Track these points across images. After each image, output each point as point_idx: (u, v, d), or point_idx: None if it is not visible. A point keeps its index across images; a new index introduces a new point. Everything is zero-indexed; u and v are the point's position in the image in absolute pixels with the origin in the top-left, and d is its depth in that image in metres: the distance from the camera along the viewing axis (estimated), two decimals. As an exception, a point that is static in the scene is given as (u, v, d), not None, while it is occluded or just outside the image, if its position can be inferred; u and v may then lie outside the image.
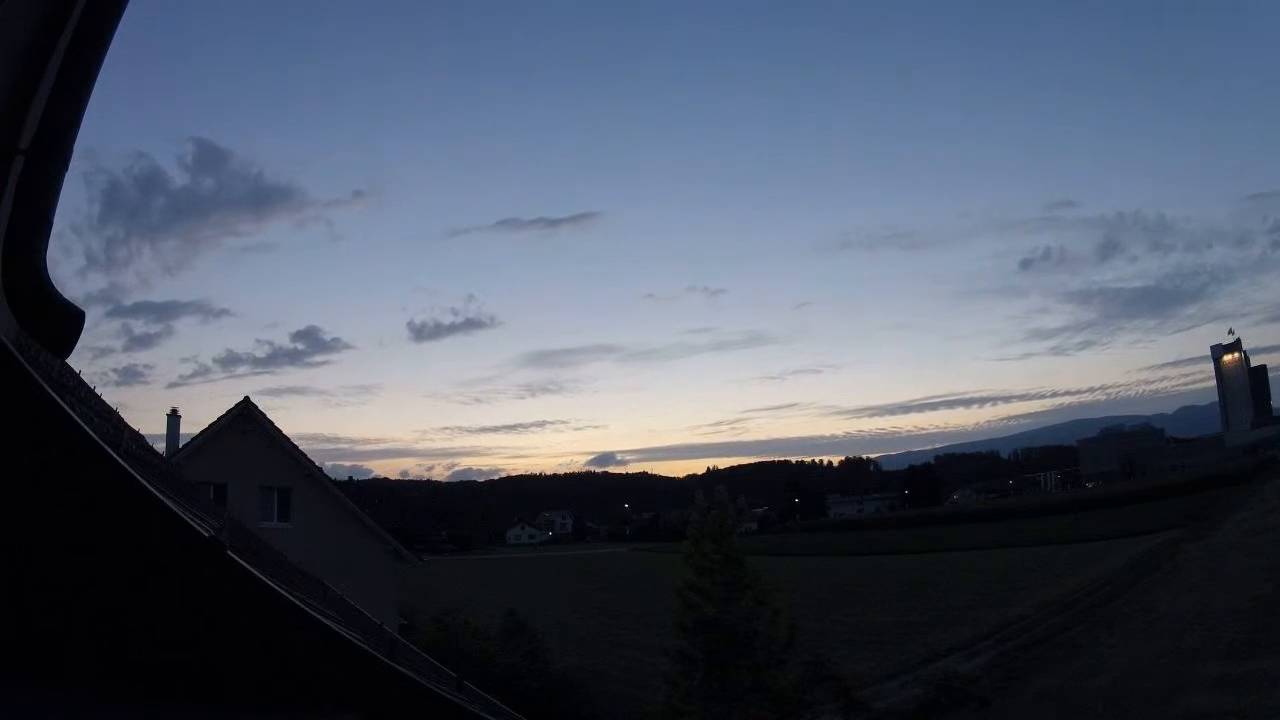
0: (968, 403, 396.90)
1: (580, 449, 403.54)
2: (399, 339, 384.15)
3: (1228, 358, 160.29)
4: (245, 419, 20.82)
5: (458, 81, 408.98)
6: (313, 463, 22.12)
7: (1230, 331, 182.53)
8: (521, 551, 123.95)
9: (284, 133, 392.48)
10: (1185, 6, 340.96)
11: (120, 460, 1.34)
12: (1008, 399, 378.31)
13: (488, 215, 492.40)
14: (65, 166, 1.62)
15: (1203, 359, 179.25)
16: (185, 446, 20.31)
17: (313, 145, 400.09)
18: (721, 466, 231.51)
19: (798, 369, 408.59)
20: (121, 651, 1.51)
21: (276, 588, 1.57)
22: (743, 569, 20.24)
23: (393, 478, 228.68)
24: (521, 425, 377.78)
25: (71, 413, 1.31)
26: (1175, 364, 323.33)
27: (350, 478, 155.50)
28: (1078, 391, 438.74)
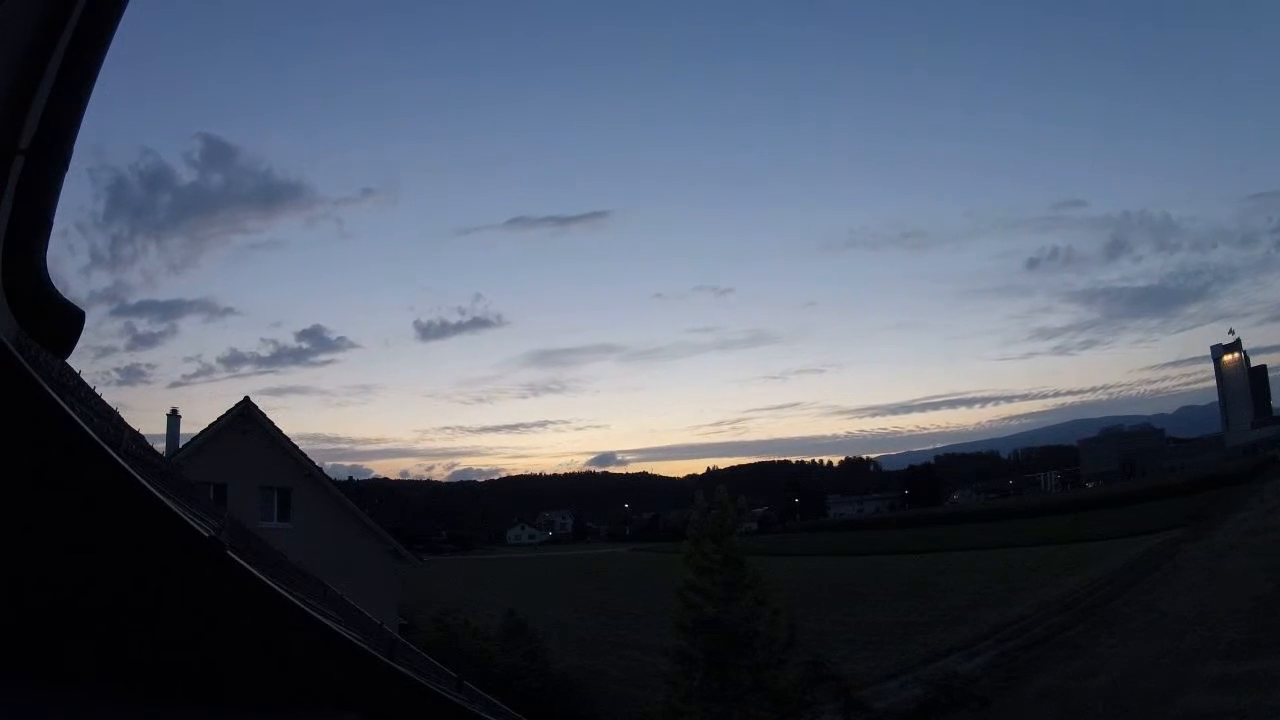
0: (969, 402, 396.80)
1: (581, 449, 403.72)
2: (405, 338, 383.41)
3: (1228, 358, 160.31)
4: (245, 419, 20.83)
5: (471, 80, 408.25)
6: (313, 463, 22.14)
7: (1230, 331, 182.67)
8: (521, 551, 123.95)
9: (294, 129, 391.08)
10: (1190, 7, 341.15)
11: (120, 460, 1.34)
12: (1009, 399, 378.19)
13: (499, 213, 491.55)
14: (65, 166, 1.62)
15: (1203, 359, 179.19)
16: (185, 446, 20.31)
17: (323, 142, 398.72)
18: (721, 466, 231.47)
19: (800, 368, 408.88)
20: (122, 651, 1.51)
21: (276, 588, 1.57)
22: (743, 569, 20.25)
23: (393, 478, 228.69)
24: (523, 425, 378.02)
25: (71, 413, 1.31)
26: (1176, 364, 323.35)
27: (350, 478, 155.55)
28: (1079, 391, 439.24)
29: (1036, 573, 40.36)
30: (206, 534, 1.43)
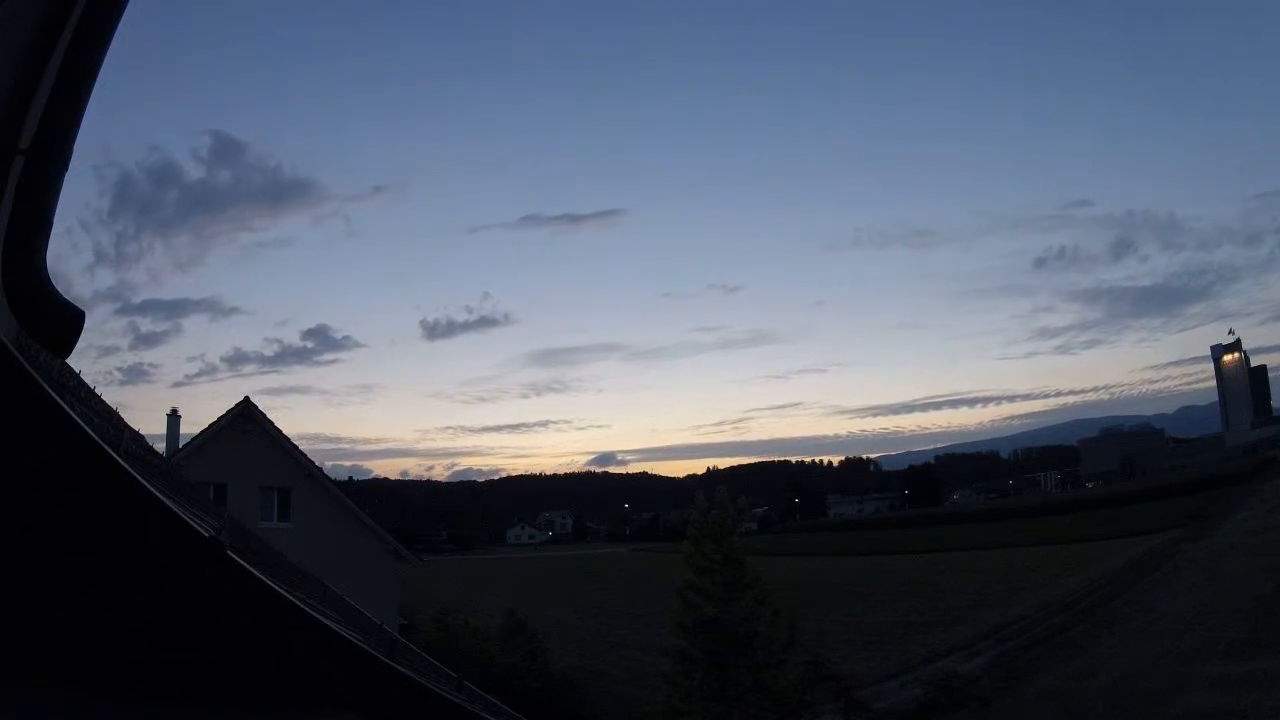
0: (971, 402, 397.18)
1: (581, 449, 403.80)
2: (411, 337, 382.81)
3: (1228, 358, 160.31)
4: (245, 419, 20.83)
5: (485, 78, 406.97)
6: (313, 463, 22.14)
7: (1230, 331, 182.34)
8: (521, 551, 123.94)
9: (305, 126, 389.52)
10: (1195, 8, 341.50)
11: (120, 460, 1.34)
12: (1011, 398, 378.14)
13: (510, 211, 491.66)
14: (65, 166, 1.62)
15: (1204, 359, 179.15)
16: (185, 446, 20.31)
17: (334, 139, 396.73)
18: (722, 466, 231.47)
19: (803, 368, 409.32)
20: (122, 651, 1.51)
21: (276, 588, 1.57)
22: (743, 569, 20.25)
23: (392, 478, 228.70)
24: (525, 425, 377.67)
25: (71, 413, 1.31)
26: (1178, 363, 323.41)
27: (350, 478, 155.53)
28: (1080, 391, 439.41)
29: (1036, 573, 40.36)
30: (206, 534, 1.43)
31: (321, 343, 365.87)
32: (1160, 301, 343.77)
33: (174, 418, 22.90)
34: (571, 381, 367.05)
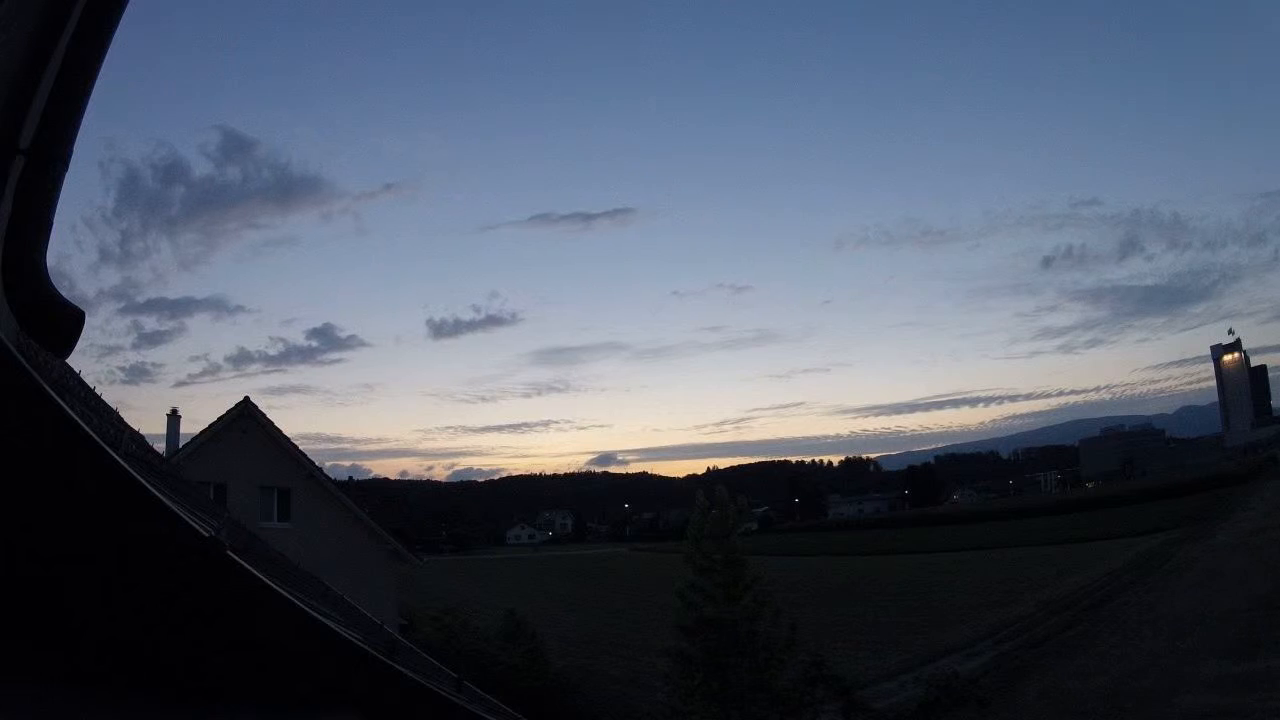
0: (973, 402, 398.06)
1: (582, 448, 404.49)
2: (417, 336, 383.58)
3: (1228, 358, 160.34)
4: (245, 419, 20.83)
5: (498, 77, 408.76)
6: (313, 463, 22.14)
7: (1230, 331, 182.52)
8: (521, 551, 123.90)
9: (317, 123, 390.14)
10: (1204, 11, 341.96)
11: (120, 460, 1.34)
12: (1013, 398, 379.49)
13: (522, 210, 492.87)
14: (65, 166, 1.63)
15: (1205, 359, 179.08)
16: (185, 446, 20.31)
17: (346, 136, 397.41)
18: (722, 466, 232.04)
19: (806, 367, 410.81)
20: (121, 652, 1.51)
21: (276, 588, 1.57)
22: (743, 569, 20.23)
23: (392, 478, 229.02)
24: (526, 425, 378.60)
25: (71, 413, 1.31)
26: (1179, 363, 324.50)
27: (350, 478, 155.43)
28: (1081, 391, 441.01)
29: (1036, 573, 40.33)
30: (206, 534, 1.43)
31: (326, 342, 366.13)
32: (1164, 301, 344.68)
33: (174, 418, 22.90)
34: (574, 380, 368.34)
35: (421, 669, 2.84)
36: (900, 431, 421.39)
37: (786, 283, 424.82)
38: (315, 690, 1.69)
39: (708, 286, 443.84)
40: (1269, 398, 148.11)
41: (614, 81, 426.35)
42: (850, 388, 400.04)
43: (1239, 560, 29.43)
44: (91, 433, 1.33)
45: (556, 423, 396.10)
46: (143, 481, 1.36)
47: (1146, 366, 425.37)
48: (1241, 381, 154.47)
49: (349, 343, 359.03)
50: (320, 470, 22.67)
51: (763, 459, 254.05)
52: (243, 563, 1.50)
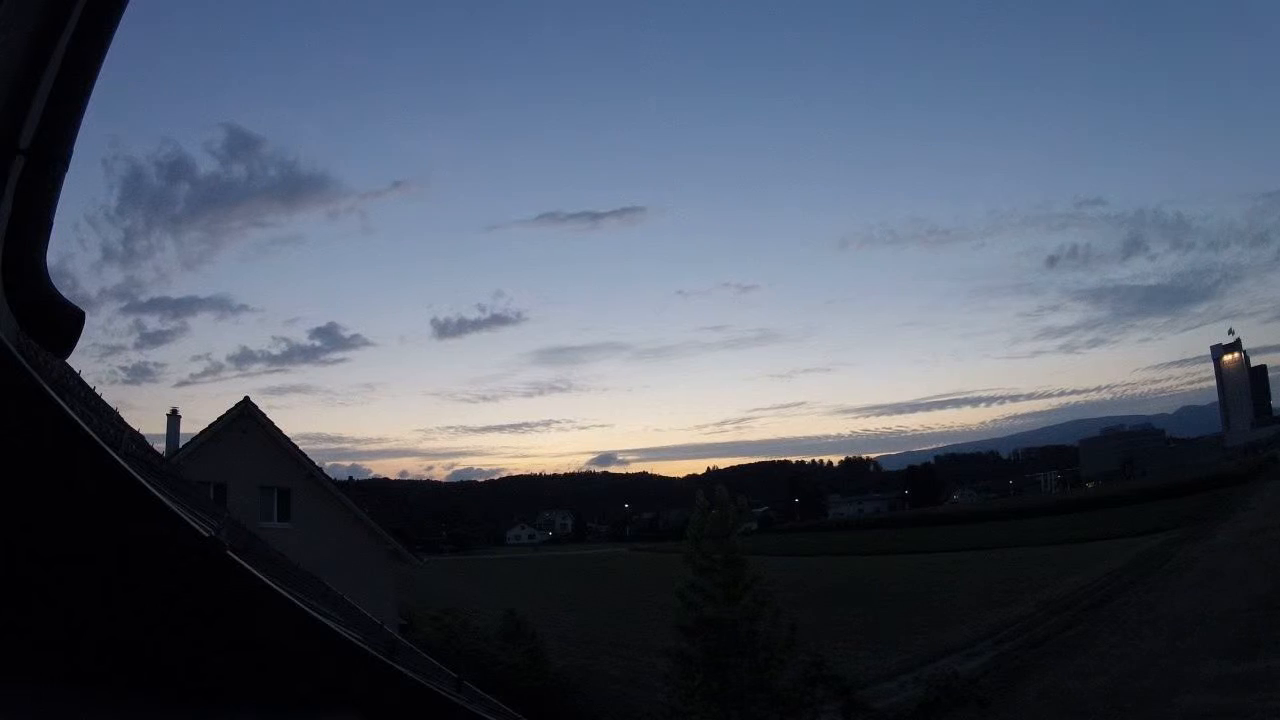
0: (974, 402, 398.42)
1: (583, 448, 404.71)
2: (421, 336, 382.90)
3: (1228, 358, 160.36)
4: (246, 419, 20.83)
5: (507, 76, 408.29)
6: (313, 463, 22.15)
7: (1230, 331, 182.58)
8: (521, 551, 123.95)
9: (324, 121, 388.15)
10: (1208, 11, 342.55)
11: (120, 460, 1.34)
12: (1015, 398, 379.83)
13: (529, 208, 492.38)
14: (65, 166, 1.63)
15: (1205, 358, 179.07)
16: (185, 446, 20.32)
17: (353, 134, 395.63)
18: (722, 466, 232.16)
19: (808, 367, 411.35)
20: (121, 652, 1.51)
21: (276, 588, 1.57)
22: (743, 569, 20.22)
23: (392, 478, 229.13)
24: (527, 424, 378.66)
25: (71, 413, 1.31)
26: (1179, 363, 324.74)
27: (350, 478, 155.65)
28: (1083, 391, 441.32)
29: (1036, 573, 40.34)
30: (206, 534, 1.43)
31: (330, 341, 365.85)
32: (1166, 300, 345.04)
33: (174, 418, 22.92)
34: (576, 380, 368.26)
35: (421, 669, 2.84)
36: (900, 431, 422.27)
37: (791, 283, 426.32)
38: (315, 690, 1.69)
39: (713, 286, 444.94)
40: (1269, 398, 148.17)
41: (622, 80, 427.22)
42: (851, 387, 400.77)
43: (1239, 560, 29.42)
44: (91, 433, 1.33)
45: (558, 422, 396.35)
46: (143, 481, 1.36)
47: (1147, 366, 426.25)
48: (1241, 381, 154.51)
49: (352, 342, 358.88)
50: (320, 470, 22.69)
51: (763, 459, 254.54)
52: (243, 563, 1.50)
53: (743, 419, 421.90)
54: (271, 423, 21.27)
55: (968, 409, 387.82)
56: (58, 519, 1.36)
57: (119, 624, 1.50)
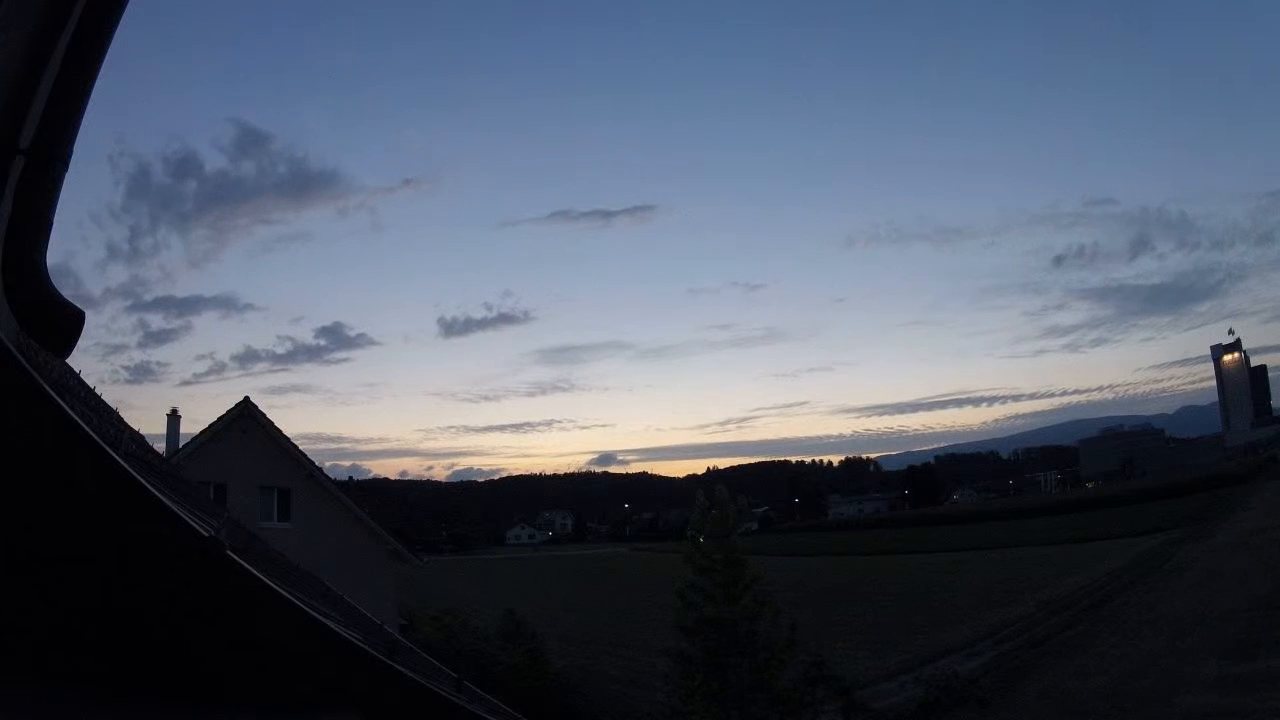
0: (974, 401, 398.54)
1: (583, 448, 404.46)
2: (427, 335, 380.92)
3: (1228, 357, 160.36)
4: (246, 419, 20.83)
5: (519, 73, 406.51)
6: (313, 463, 22.15)
7: (1230, 331, 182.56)
8: (521, 551, 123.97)
9: (333, 117, 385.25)
10: (1212, 11, 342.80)
11: (120, 460, 1.34)
12: (1016, 398, 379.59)
13: (541, 207, 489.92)
14: (65, 166, 1.63)
15: (1206, 358, 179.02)
16: (185, 446, 20.32)
17: (364, 130, 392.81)
18: (722, 466, 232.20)
19: (812, 366, 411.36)
20: (121, 652, 1.51)
21: (276, 588, 1.57)
22: (743, 569, 20.22)
23: (392, 478, 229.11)
24: (529, 424, 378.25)
25: (71, 413, 1.31)
26: (1180, 363, 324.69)
27: (350, 478, 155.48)
28: (1084, 390, 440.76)
29: (1036, 573, 40.33)
30: (206, 534, 1.43)
31: (335, 340, 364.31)
32: (1170, 300, 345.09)
33: (174, 418, 22.92)
34: (578, 380, 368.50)
35: (421, 669, 2.84)
36: (901, 431, 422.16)
37: (799, 281, 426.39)
38: (315, 690, 1.69)
39: (722, 284, 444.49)
40: (1269, 398, 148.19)
41: (633, 78, 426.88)
42: (852, 387, 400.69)
43: (1239, 560, 29.41)
44: (91, 433, 1.33)
45: (559, 422, 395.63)
46: (143, 481, 1.36)
47: (1148, 366, 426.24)
48: (1241, 381, 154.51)
49: (357, 341, 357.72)
50: (320, 470, 22.69)
51: (763, 459, 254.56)
52: (243, 562, 1.50)
53: (745, 418, 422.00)
54: (271, 422, 21.28)
55: (968, 409, 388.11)
56: (58, 519, 1.36)
57: (119, 624, 1.50)
